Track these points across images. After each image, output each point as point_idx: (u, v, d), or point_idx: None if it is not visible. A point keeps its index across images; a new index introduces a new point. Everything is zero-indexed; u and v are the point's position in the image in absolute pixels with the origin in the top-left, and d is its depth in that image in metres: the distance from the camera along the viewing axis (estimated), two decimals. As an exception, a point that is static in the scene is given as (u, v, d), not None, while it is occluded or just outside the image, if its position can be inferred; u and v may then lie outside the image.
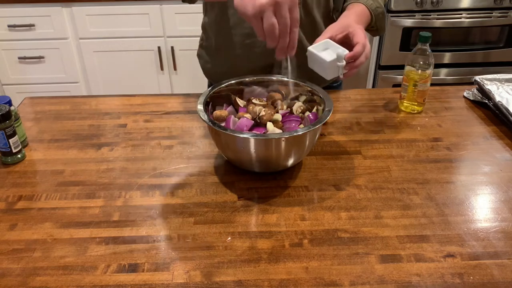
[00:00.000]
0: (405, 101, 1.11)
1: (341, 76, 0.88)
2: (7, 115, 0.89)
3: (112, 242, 0.75)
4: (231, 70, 1.11)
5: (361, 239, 0.75)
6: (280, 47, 0.80)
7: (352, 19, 0.95)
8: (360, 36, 0.88)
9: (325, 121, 0.83)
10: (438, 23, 2.24)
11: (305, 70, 0.94)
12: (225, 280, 0.68)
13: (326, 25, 0.99)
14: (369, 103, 1.16)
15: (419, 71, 1.06)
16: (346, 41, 0.90)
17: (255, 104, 0.91)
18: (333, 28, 0.92)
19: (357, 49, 0.86)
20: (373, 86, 2.46)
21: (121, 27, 2.19)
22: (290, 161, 0.87)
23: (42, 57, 2.28)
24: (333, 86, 1.26)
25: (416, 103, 1.10)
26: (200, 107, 0.86)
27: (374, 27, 1.05)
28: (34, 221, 0.79)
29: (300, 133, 0.80)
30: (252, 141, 0.81)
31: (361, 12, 1.00)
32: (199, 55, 1.23)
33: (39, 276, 0.68)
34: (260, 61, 1.09)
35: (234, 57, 1.13)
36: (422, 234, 0.76)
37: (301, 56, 0.90)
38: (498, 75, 1.18)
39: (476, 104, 1.15)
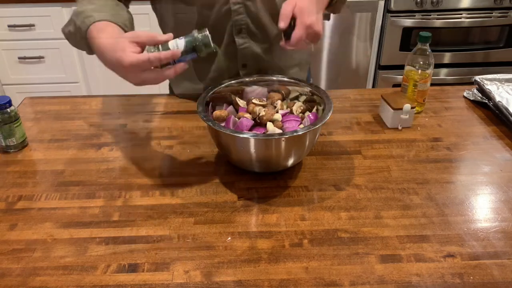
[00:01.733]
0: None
1: (400, 128, 1.04)
2: None
3: (112, 242, 0.75)
4: (193, 75, 1.12)
5: (361, 239, 0.75)
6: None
7: None
8: (300, 20, 0.87)
9: (325, 121, 0.83)
10: (438, 23, 2.24)
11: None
12: (225, 280, 0.68)
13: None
14: (369, 103, 1.16)
15: (419, 71, 1.06)
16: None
17: (255, 104, 0.91)
18: (286, 8, 0.89)
19: (295, 35, 0.87)
20: (373, 86, 2.47)
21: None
22: (290, 161, 0.87)
23: (42, 57, 2.28)
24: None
25: (416, 103, 1.10)
26: (200, 107, 0.86)
27: (332, 5, 1.02)
28: (34, 221, 0.79)
29: (300, 133, 0.80)
30: (252, 141, 0.81)
31: None
32: None
33: (39, 276, 0.68)
34: (225, 75, 1.09)
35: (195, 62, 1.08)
36: (422, 234, 0.76)
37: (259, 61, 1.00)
38: (498, 75, 1.18)
39: (476, 104, 1.15)
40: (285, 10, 0.88)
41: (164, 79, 0.81)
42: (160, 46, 0.79)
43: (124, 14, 0.93)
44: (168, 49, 0.79)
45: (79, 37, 0.89)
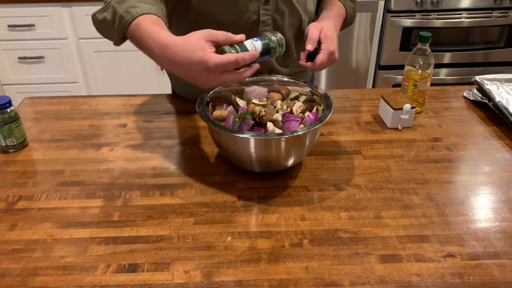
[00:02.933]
0: (405, 101, 1.12)
1: (400, 128, 1.04)
2: None
3: (112, 242, 0.75)
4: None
5: (361, 239, 0.75)
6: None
7: (330, 22, 1.00)
8: (327, 45, 0.94)
9: (325, 121, 0.83)
10: (438, 23, 2.24)
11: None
12: (225, 280, 0.68)
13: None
14: (369, 103, 1.16)
15: (419, 71, 1.06)
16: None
17: (255, 104, 0.91)
18: (313, 32, 0.96)
19: (319, 59, 0.94)
20: (373, 86, 2.46)
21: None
22: (290, 161, 0.87)
23: (42, 57, 2.28)
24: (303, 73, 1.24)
25: (416, 103, 1.10)
26: (200, 107, 0.86)
27: (345, 23, 1.12)
28: (34, 221, 0.79)
29: (300, 133, 0.80)
30: (252, 141, 0.81)
31: (338, 13, 1.07)
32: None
33: (39, 276, 0.68)
34: None
35: None
36: (422, 234, 0.76)
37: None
38: (498, 75, 1.18)
39: (476, 104, 1.15)
40: (313, 34, 0.95)
41: (242, 80, 0.80)
42: (237, 47, 0.79)
43: (163, 7, 0.91)
44: (246, 50, 0.79)
45: (117, 25, 0.84)
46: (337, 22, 1.05)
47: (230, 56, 0.75)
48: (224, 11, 0.99)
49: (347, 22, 1.13)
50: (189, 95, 1.17)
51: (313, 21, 1.12)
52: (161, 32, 0.79)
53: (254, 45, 0.80)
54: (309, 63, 0.95)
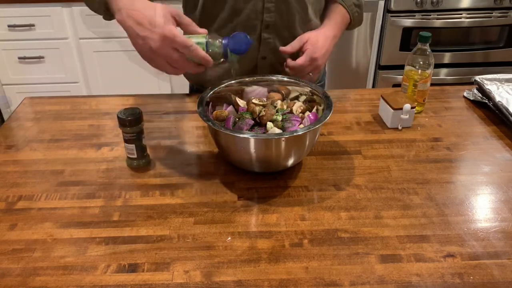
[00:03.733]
0: (405, 101, 1.12)
1: (400, 128, 1.04)
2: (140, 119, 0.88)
3: (112, 242, 0.75)
4: (201, 76, 1.12)
5: (361, 239, 0.75)
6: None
7: (326, 32, 1.05)
8: (311, 51, 0.99)
9: (325, 121, 0.83)
10: (438, 23, 2.24)
11: (280, 69, 1.05)
12: (225, 280, 0.68)
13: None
14: (369, 103, 1.16)
15: (419, 71, 1.06)
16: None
17: (255, 104, 0.91)
18: (300, 38, 1.02)
19: (299, 61, 0.98)
20: (373, 86, 2.47)
21: (121, 27, 2.19)
22: (290, 161, 0.87)
23: (42, 57, 2.28)
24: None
25: (416, 103, 1.10)
26: (200, 107, 0.86)
27: (351, 25, 1.15)
28: (34, 221, 0.79)
29: (300, 133, 0.80)
30: (252, 141, 0.81)
31: (339, 22, 1.10)
32: None
33: (39, 276, 0.68)
34: (243, 65, 1.10)
35: None
36: (422, 234, 0.76)
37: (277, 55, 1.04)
38: (498, 75, 1.18)
39: (476, 104, 1.15)
40: (300, 38, 1.02)
41: (186, 71, 0.82)
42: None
43: None
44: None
45: None
46: (335, 32, 1.07)
47: (187, 39, 0.78)
48: (232, 3, 1.01)
49: (353, 24, 1.15)
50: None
51: (320, 14, 1.15)
52: None
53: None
54: (290, 62, 0.99)
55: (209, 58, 0.81)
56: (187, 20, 0.82)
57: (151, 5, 0.80)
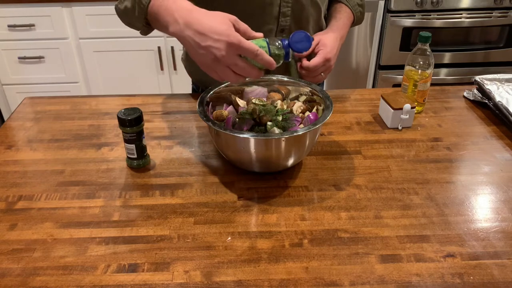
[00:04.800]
0: (405, 101, 1.12)
1: (400, 128, 1.05)
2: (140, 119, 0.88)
3: (112, 242, 0.75)
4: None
5: (361, 239, 0.75)
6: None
7: (335, 34, 1.06)
8: (324, 52, 1.00)
9: (325, 121, 0.83)
10: (438, 23, 2.24)
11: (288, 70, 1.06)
12: (225, 280, 0.68)
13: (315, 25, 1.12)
14: (369, 103, 1.16)
15: (419, 71, 1.06)
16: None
17: (255, 104, 0.91)
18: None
19: (314, 62, 0.99)
20: (373, 86, 2.47)
21: (121, 27, 2.17)
22: (290, 161, 0.87)
23: (42, 57, 2.28)
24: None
25: (416, 103, 1.10)
26: (200, 107, 0.86)
27: (351, 25, 1.17)
28: (34, 221, 0.79)
29: (300, 133, 0.80)
30: (252, 141, 0.81)
31: (346, 23, 1.11)
32: (184, 60, 1.24)
33: (39, 276, 0.68)
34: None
35: None
36: (422, 234, 0.76)
37: None
38: (498, 75, 1.18)
39: (476, 104, 1.15)
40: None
41: (253, 77, 0.80)
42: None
43: None
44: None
45: (138, 11, 0.85)
46: (343, 32, 1.09)
47: (253, 44, 0.75)
48: (248, 2, 1.01)
49: (354, 23, 1.17)
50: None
51: (325, 17, 1.17)
52: (185, 1, 0.80)
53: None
54: (305, 63, 1.00)
55: (274, 61, 0.79)
56: (244, 26, 0.79)
57: (210, 13, 0.78)
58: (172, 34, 0.80)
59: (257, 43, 0.78)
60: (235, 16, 0.78)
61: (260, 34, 0.81)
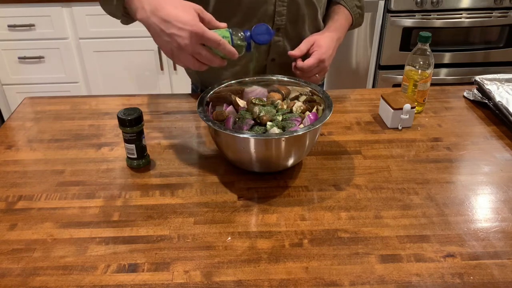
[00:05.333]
0: (405, 101, 1.12)
1: (400, 128, 1.05)
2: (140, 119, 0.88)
3: (112, 242, 0.75)
4: (216, 75, 1.11)
5: (361, 239, 0.75)
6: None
7: (332, 34, 1.06)
8: (318, 53, 1.00)
9: (325, 121, 0.83)
10: (438, 23, 2.24)
11: (288, 70, 1.05)
12: (225, 280, 0.68)
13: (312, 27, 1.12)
14: (369, 103, 1.16)
15: (419, 71, 1.06)
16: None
17: (255, 104, 0.91)
18: (306, 41, 1.04)
19: (308, 62, 0.99)
20: (373, 86, 2.46)
21: (121, 27, 2.18)
22: (290, 161, 0.87)
23: (42, 57, 2.28)
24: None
25: (416, 103, 1.10)
26: (200, 107, 0.86)
27: (352, 26, 1.17)
28: (34, 221, 0.79)
29: (300, 133, 0.80)
30: (252, 141, 0.81)
31: (343, 24, 1.11)
32: None
33: (39, 276, 0.68)
34: (243, 66, 1.11)
35: None
36: (422, 234, 0.76)
37: (286, 57, 1.04)
38: (498, 75, 1.18)
39: (476, 104, 1.15)
40: (307, 41, 1.03)
41: (215, 65, 0.83)
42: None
43: None
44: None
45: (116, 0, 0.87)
46: (340, 33, 1.09)
47: (216, 34, 0.78)
48: (243, 1, 1.02)
49: (353, 26, 1.17)
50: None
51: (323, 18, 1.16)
52: None
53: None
54: (299, 64, 1.00)
55: (236, 51, 0.82)
56: (208, 16, 0.82)
57: (177, 1, 0.80)
58: (140, 21, 0.83)
59: (221, 34, 0.81)
60: (201, 6, 0.81)
61: (224, 25, 0.83)
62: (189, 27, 0.76)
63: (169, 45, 0.80)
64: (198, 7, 0.80)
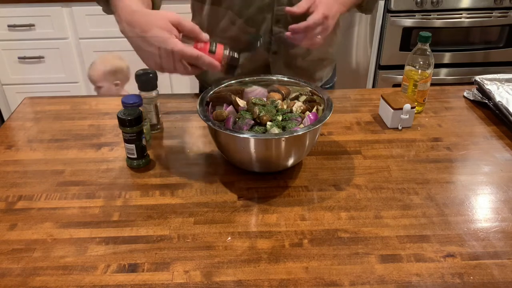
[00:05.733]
0: (405, 101, 1.12)
1: (400, 128, 1.03)
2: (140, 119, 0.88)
3: (112, 242, 0.75)
4: (212, 77, 1.12)
5: (361, 239, 0.75)
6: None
7: None
8: (322, 7, 0.91)
9: (325, 121, 0.83)
10: (438, 23, 2.24)
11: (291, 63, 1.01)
12: (225, 280, 0.68)
13: None
14: (369, 103, 1.16)
15: (419, 71, 1.06)
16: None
17: (255, 104, 0.91)
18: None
19: (312, 18, 0.89)
20: (373, 86, 2.47)
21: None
22: (290, 161, 0.87)
23: (42, 57, 2.28)
24: (325, 87, 1.27)
25: (416, 103, 1.10)
26: (200, 107, 0.86)
27: (363, 6, 1.09)
28: (34, 221, 0.79)
29: (300, 133, 0.80)
30: (252, 141, 0.81)
31: None
32: None
33: (39, 276, 0.68)
34: (255, 62, 1.10)
35: None
36: (422, 234, 0.76)
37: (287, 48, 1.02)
38: (498, 75, 1.18)
39: (476, 104, 1.15)
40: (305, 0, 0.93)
41: (188, 75, 0.84)
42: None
43: None
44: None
45: None
46: None
47: (194, 50, 0.79)
48: None
49: (364, 8, 1.10)
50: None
51: None
52: (135, 4, 0.82)
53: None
54: (301, 24, 0.90)
55: (217, 63, 0.82)
56: (188, 25, 0.81)
57: (151, 16, 0.79)
58: (121, 32, 0.83)
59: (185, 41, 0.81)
60: (180, 16, 0.80)
61: (206, 36, 0.83)
62: (166, 45, 0.77)
63: (149, 61, 0.81)
64: (176, 18, 0.79)
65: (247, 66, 1.09)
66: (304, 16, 0.92)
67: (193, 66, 0.82)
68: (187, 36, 0.82)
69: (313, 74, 1.19)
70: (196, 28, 0.82)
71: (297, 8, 0.92)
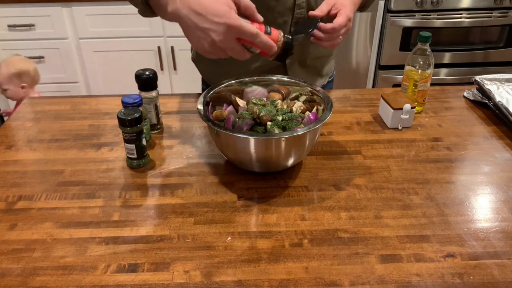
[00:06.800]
0: (405, 101, 1.12)
1: (400, 128, 1.04)
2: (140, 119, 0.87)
3: (112, 242, 0.75)
4: (232, 73, 1.11)
5: (361, 239, 0.75)
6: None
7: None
8: (345, 11, 0.94)
9: (325, 121, 0.83)
10: (438, 23, 2.24)
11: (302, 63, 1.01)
12: (225, 280, 0.68)
13: None
14: (369, 103, 1.16)
15: (419, 71, 1.06)
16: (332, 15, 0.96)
17: (255, 104, 0.91)
18: (327, 2, 0.96)
19: (338, 21, 0.92)
20: (373, 86, 2.47)
21: (121, 27, 2.19)
22: (290, 161, 0.87)
23: (42, 57, 2.28)
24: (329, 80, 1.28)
25: (416, 103, 1.10)
26: (200, 107, 0.86)
27: (362, 5, 1.12)
28: (34, 221, 0.79)
29: (300, 133, 0.80)
30: (252, 141, 0.81)
31: None
32: (195, 60, 1.23)
33: (39, 276, 0.68)
34: (273, 63, 1.10)
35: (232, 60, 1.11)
36: (422, 234, 0.76)
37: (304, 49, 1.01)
38: (498, 75, 1.18)
39: (476, 104, 1.15)
40: (327, 1, 0.96)
41: (242, 59, 0.78)
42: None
43: None
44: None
45: None
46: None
47: (254, 28, 0.73)
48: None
49: (365, 5, 1.13)
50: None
51: None
52: None
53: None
54: (327, 25, 0.92)
55: (273, 43, 0.77)
56: (246, 2, 0.76)
57: None
58: (170, 14, 0.77)
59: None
60: None
61: (261, 17, 0.79)
62: (224, 19, 0.71)
63: (201, 41, 0.74)
64: None
65: (266, 65, 1.10)
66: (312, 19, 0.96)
67: (240, 57, 0.77)
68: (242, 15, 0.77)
69: (321, 70, 1.22)
70: (253, 6, 0.77)
71: (319, 12, 0.95)
